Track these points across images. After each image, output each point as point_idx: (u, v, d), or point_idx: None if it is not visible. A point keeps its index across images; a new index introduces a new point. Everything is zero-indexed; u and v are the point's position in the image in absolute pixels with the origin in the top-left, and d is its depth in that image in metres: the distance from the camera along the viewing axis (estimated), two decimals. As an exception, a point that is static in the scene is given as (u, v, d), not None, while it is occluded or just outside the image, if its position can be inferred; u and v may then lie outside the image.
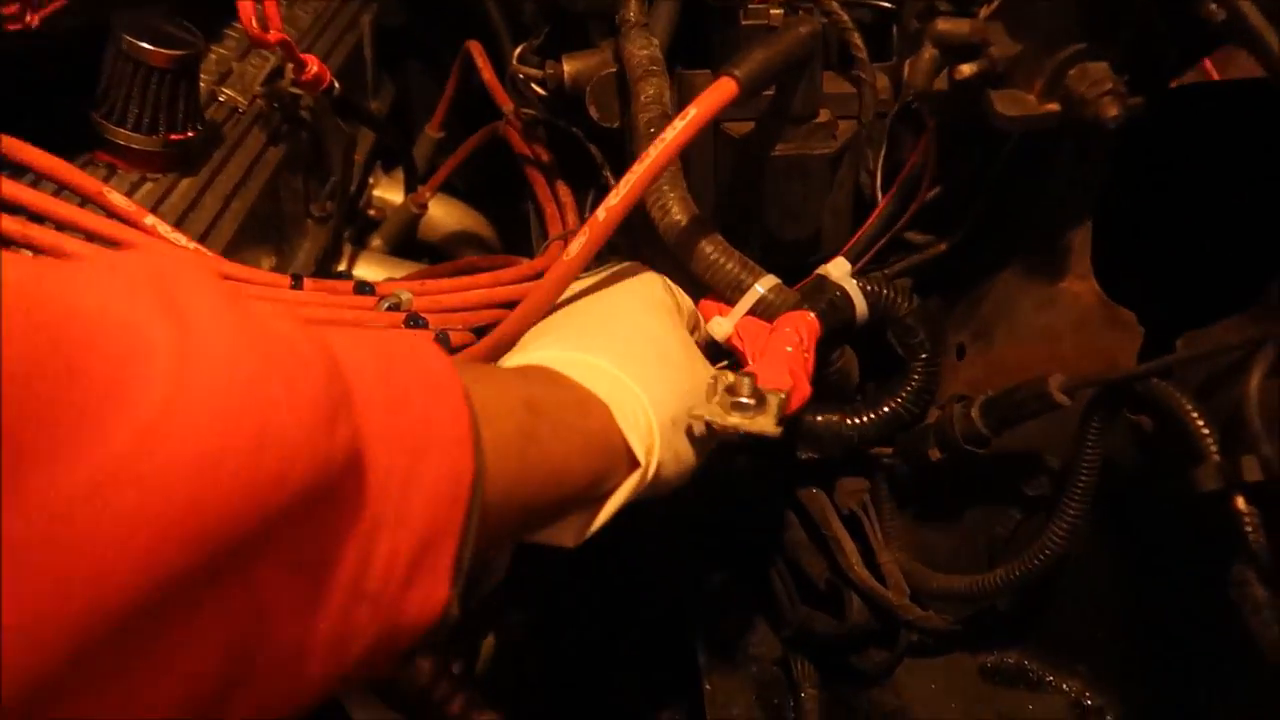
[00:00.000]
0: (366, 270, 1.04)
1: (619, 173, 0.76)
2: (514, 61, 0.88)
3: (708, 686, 0.76)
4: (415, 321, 0.71)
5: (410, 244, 1.17)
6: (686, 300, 0.66)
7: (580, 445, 0.48)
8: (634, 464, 0.51)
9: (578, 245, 0.58)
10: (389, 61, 1.26)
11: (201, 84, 0.87)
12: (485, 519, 0.39)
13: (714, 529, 0.79)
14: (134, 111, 0.69)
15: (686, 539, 0.79)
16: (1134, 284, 0.62)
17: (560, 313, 0.62)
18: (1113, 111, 0.52)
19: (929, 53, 0.59)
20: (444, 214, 1.18)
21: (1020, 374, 0.61)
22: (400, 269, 1.04)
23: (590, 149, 0.86)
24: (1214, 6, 0.48)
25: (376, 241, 1.13)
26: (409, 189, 1.12)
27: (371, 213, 1.15)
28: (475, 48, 1.06)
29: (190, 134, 0.76)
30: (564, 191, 0.95)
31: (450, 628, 0.38)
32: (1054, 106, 0.55)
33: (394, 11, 1.24)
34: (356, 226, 1.11)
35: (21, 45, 0.62)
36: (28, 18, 0.62)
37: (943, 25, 0.58)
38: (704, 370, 0.58)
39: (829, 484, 0.74)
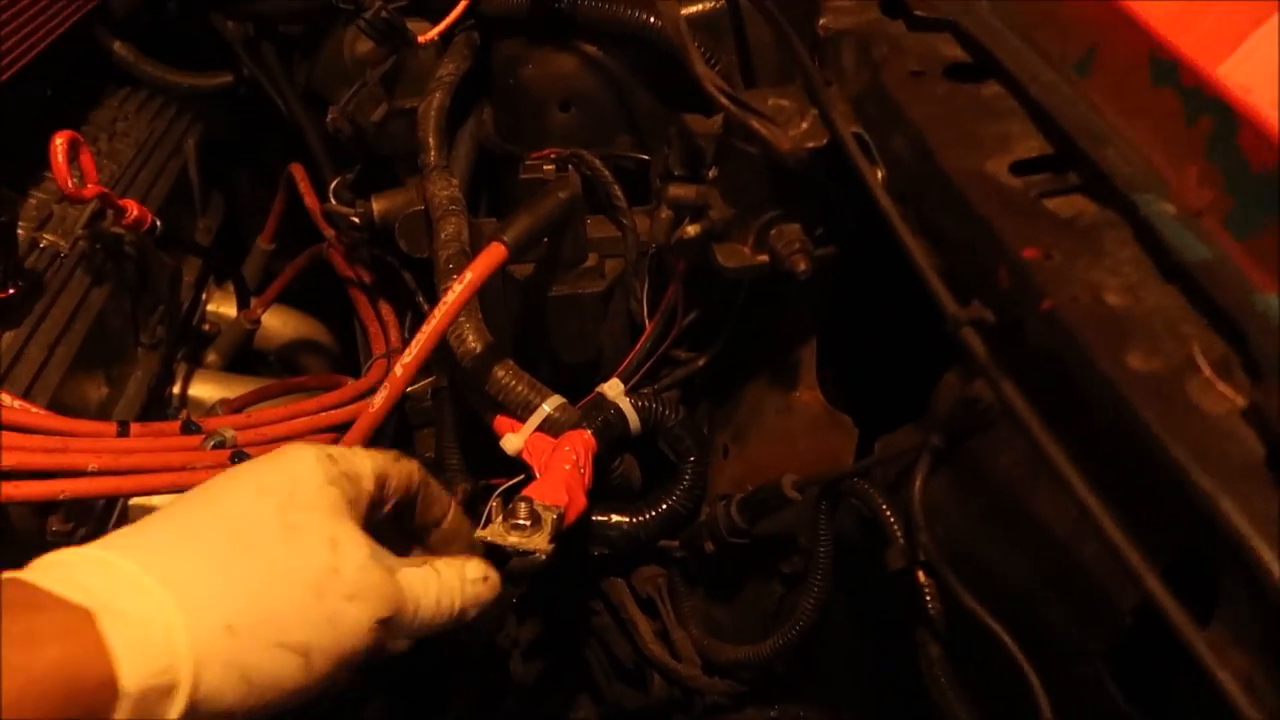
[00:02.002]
0: (200, 389, 1.08)
1: (431, 296, 0.85)
2: (330, 198, 0.96)
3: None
4: (240, 457, 0.78)
5: (247, 355, 1.21)
6: (360, 468, 0.52)
7: (15, 691, 0.37)
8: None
9: (380, 398, 0.67)
10: (219, 172, 1.29)
11: (20, 231, 0.91)
12: None
13: (530, 617, 0.88)
14: (-51, 281, 0.73)
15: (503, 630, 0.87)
16: (853, 391, 0.75)
17: None
18: (802, 266, 0.64)
19: (664, 212, 0.70)
20: (280, 324, 1.23)
21: (770, 470, 0.72)
22: (234, 386, 1.09)
23: (404, 276, 0.95)
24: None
25: (212, 357, 1.17)
26: (241, 304, 1.17)
27: (206, 327, 1.18)
28: (298, 171, 1.12)
29: (10, 291, 0.81)
30: (386, 310, 1.03)
31: None
32: (764, 258, 0.67)
33: (221, 126, 1.28)
34: (190, 344, 1.15)
35: None
36: None
37: (674, 191, 0.69)
38: (323, 557, 0.46)
39: (629, 572, 0.84)
